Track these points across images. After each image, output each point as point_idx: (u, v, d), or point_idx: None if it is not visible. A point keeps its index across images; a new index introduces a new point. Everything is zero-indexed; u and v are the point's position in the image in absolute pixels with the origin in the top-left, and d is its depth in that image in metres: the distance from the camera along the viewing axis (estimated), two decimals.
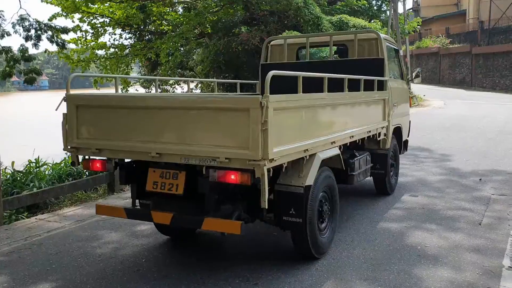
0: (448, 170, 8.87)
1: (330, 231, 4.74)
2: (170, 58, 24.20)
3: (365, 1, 27.03)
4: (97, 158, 4.34)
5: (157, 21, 22.97)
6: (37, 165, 8.28)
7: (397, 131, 7.17)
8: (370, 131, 5.80)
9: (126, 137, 4.01)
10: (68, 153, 8.29)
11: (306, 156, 4.14)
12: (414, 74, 7.84)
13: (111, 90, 6.53)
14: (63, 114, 4.27)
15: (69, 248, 5.10)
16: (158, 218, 4.14)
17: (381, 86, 6.24)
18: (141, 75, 27.05)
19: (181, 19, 22.11)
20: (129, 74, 22.82)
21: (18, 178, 7.62)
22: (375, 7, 30.41)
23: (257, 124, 3.40)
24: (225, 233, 3.98)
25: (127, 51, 22.20)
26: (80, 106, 4.20)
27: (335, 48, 6.96)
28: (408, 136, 7.91)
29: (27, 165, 8.37)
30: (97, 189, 7.82)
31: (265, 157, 3.43)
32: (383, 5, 30.92)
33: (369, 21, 26.16)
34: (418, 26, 28.15)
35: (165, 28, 23.37)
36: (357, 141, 5.50)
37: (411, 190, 7.39)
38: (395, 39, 23.65)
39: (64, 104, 4.20)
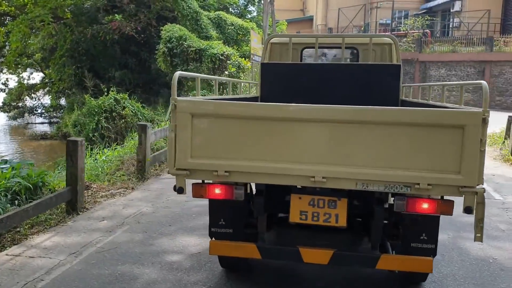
0: None
1: None
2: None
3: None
4: (215, 182, 3.35)
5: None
6: None
7: None
8: None
9: (270, 156, 3.16)
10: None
11: None
12: None
13: None
14: (171, 125, 3.21)
15: None
16: (310, 257, 3.35)
17: (393, 98, 6.02)
18: None
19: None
20: None
21: None
22: (242, 6, 30.82)
23: (476, 144, 2.91)
24: (396, 271, 3.39)
25: None
26: (197, 115, 3.19)
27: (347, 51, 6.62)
28: None
29: None
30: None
31: (479, 182, 2.96)
32: (249, 5, 31.50)
33: (244, 20, 26.35)
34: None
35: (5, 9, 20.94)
36: None
37: None
38: (262, 39, 24.18)
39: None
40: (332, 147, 3.10)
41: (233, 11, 29.87)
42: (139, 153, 8.38)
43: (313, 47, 6.59)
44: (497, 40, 28.87)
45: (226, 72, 18.40)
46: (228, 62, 18.71)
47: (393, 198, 3.30)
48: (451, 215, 3.16)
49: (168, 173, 3.33)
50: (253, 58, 22.21)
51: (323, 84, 6.18)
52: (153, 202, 6.96)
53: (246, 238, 4.04)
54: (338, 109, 3.09)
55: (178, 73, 3.35)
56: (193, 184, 3.38)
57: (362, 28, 36.78)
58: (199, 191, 3.39)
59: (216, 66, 19.13)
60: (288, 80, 6.09)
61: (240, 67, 18.81)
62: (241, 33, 25.11)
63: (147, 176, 8.41)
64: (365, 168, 3.07)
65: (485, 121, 2.89)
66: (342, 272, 4.51)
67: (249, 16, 30.67)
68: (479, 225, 3.00)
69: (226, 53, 18.98)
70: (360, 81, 6.20)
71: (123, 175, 8.40)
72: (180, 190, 3.28)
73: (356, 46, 6.49)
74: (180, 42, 20.11)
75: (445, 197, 3.14)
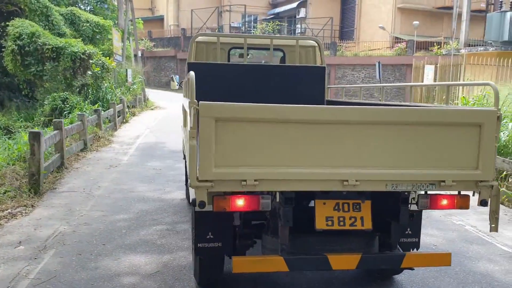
0: None
1: None
2: None
3: None
4: (239, 193, 3.04)
5: None
6: None
7: None
8: None
9: (301, 162, 2.99)
10: None
11: None
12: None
13: None
14: (191, 132, 2.84)
15: None
16: (339, 263, 3.22)
17: (319, 99, 6.23)
18: None
19: None
20: None
21: None
22: (93, 2, 29.02)
23: (492, 140, 3.12)
24: (414, 268, 3.44)
25: None
26: (221, 120, 2.87)
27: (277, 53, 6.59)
28: None
29: None
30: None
31: (494, 177, 3.18)
32: (102, 2, 29.84)
33: (99, 17, 24.83)
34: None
35: None
36: None
37: None
38: (122, 38, 23.13)
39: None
40: (362, 149, 3.04)
41: (83, 7, 27.94)
42: (31, 165, 7.29)
43: (240, 47, 6.46)
44: (340, 45, 31.70)
45: (89, 72, 17.13)
46: (91, 61, 17.40)
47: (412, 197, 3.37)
48: (468, 209, 3.33)
49: (191, 186, 2.92)
50: (115, 58, 21.05)
51: (251, 84, 6.09)
52: (66, 219, 6.12)
53: (235, 251, 3.79)
54: (369, 111, 3.04)
55: (192, 73, 2.98)
56: (214, 196, 3.02)
57: (216, 30, 37.29)
58: (222, 204, 3.03)
59: (77, 65, 17.64)
60: (216, 81, 5.87)
61: (104, 66, 17.64)
62: (97, 30, 23.56)
63: (43, 190, 7.37)
64: (393, 168, 3.08)
65: (499, 119, 3.11)
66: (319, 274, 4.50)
67: (104, 13, 28.92)
68: (494, 216, 3.22)
69: (88, 51, 17.62)
70: (288, 82, 6.25)
71: (7, 191, 7.23)
72: (202, 204, 2.90)
73: (283, 48, 6.52)
74: (33, 39, 18.12)
75: (462, 192, 3.31)
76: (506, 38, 17.37)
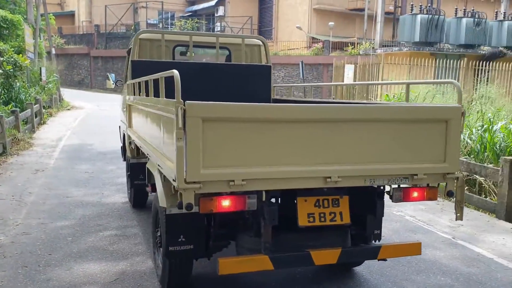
0: None
1: None
2: None
3: None
4: (224, 193, 2.98)
5: None
6: None
7: None
8: None
9: (287, 160, 3.01)
10: None
11: None
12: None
13: None
14: (178, 133, 2.76)
15: None
16: (321, 259, 3.27)
17: (265, 98, 6.31)
18: None
19: None
20: None
21: None
22: None
23: (457, 135, 3.34)
24: (386, 259, 3.58)
25: None
26: (208, 120, 2.81)
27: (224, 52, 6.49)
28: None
29: None
30: None
31: (457, 169, 3.41)
32: None
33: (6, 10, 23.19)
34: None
35: None
36: None
37: None
38: (33, 33, 21.81)
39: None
40: (342, 146, 3.12)
41: None
42: None
43: (185, 45, 6.34)
44: None
45: (0, 71, 15.91)
46: (1, 59, 16.17)
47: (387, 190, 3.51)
48: (436, 200, 3.52)
49: (178, 187, 2.81)
50: (27, 55, 19.73)
51: (198, 83, 6.00)
52: (1, 230, 5.65)
53: (207, 253, 3.74)
54: (352, 108, 3.12)
55: (177, 72, 2.87)
56: (201, 198, 2.93)
57: (132, 27, 36.24)
58: (209, 205, 2.95)
59: None
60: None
61: (16, 64, 16.46)
62: (5, 25, 21.90)
63: None
64: (371, 164, 3.20)
65: (463, 115, 3.34)
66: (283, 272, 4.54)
67: (10, 7, 26.92)
68: (459, 206, 3.45)
69: None
70: (235, 80, 6.24)
71: None
72: (189, 206, 2.81)
73: (228, 46, 6.48)
74: None
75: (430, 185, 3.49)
76: (417, 39, 18.61)
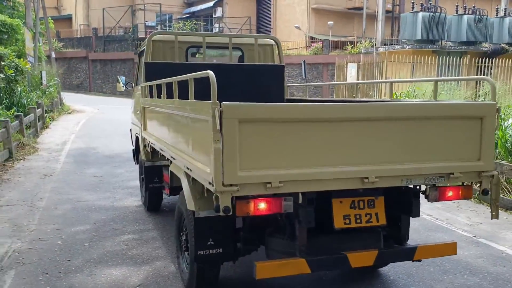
0: None
1: None
2: None
3: None
4: (260, 196, 2.92)
5: None
6: None
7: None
8: None
9: (320, 161, 2.95)
10: None
11: None
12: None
13: None
14: (215, 135, 2.69)
15: None
16: (358, 261, 3.21)
17: (279, 97, 6.25)
18: None
19: None
20: None
21: None
22: None
23: (492, 132, 3.28)
24: (421, 260, 3.53)
25: None
26: (245, 121, 2.75)
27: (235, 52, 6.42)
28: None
29: None
30: None
31: (492, 167, 3.35)
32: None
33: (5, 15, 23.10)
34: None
35: None
36: None
37: None
38: (33, 37, 21.71)
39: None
40: (379, 146, 3.07)
41: None
42: None
43: (198, 46, 6.28)
44: None
45: (1, 75, 15.81)
46: (3, 63, 16.07)
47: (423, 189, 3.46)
48: (471, 198, 3.47)
49: (216, 190, 2.74)
50: (28, 59, 19.63)
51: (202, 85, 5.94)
52: (17, 236, 5.57)
53: (234, 256, 3.68)
54: (390, 107, 3.08)
55: (212, 74, 2.82)
56: (237, 201, 2.87)
57: (130, 29, 36.11)
58: (245, 208, 2.89)
59: None
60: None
61: (18, 69, 16.37)
62: (4, 30, 21.79)
63: None
64: (407, 164, 3.14)
65: (498, 111, 3.28)
66: None
67: (8, 11, 26.80)
68: (495, 204, 3.39)
69: None
70: (249, 81, 6.17)
71: None
72: (227, 210, 2.75)
73: (241, 46, 6.42)
74: None
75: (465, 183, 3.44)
76: (419, 37, 18.57)
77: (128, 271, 4.59)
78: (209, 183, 2.84)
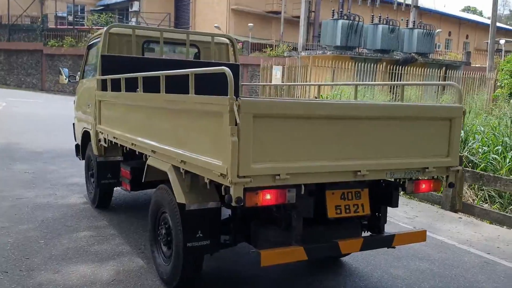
0: None
1: None
2: None
3: None
4: (266, 187, 3.06)
5: None
6: None
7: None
8: None
9: (321, 155, 3.17)
10: None
11: None
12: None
13: None
14: (232, 128, 2.81)
15: None
16: (347, 248, 3.46)
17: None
18: None
19: None
20: None
21: None
22: None
23: (459, 131, 3.71)
24: (395, 246, 3.86)
25: None
26: (259, 116, 2.90)
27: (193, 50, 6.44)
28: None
29: None
30: None
31: (458, 163, 3.79)
32: None
33: None
34: None
35: None
36: None
37: None
38: None
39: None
40: (370, 142, 3.35)
41: None
42: None
43: (155, 41, 6.24)
44: None
45: None
46: None
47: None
48: (440, 191, 3.86)
49: (231, 182, 2.84)
50: None
51: (168, 79, 5.92)
52: None
53: (220, 247, 3.80)
54: (388, 107, 3.39)
55: (228, 70, 2.92)
56: (246, 192, 2.97)
57: (40, 19, 34.05)
58: (254, 199, 2.99)
59: None
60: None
61: None
62: None
63: None
64: (392, 159, 3.46)
65: (464, 114, 3.71)
66: None
67: None
68: (459, 196, 3.82)
69: None
70: (203, 78, 6.24)
71: None
72: (239, 201, 2.86)
73: (197, 44, 6.47)
74: None
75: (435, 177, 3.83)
76: (338, 43, 19.57)
77: (95, 267, 4.48)
78: (220, 175, 2.93)
